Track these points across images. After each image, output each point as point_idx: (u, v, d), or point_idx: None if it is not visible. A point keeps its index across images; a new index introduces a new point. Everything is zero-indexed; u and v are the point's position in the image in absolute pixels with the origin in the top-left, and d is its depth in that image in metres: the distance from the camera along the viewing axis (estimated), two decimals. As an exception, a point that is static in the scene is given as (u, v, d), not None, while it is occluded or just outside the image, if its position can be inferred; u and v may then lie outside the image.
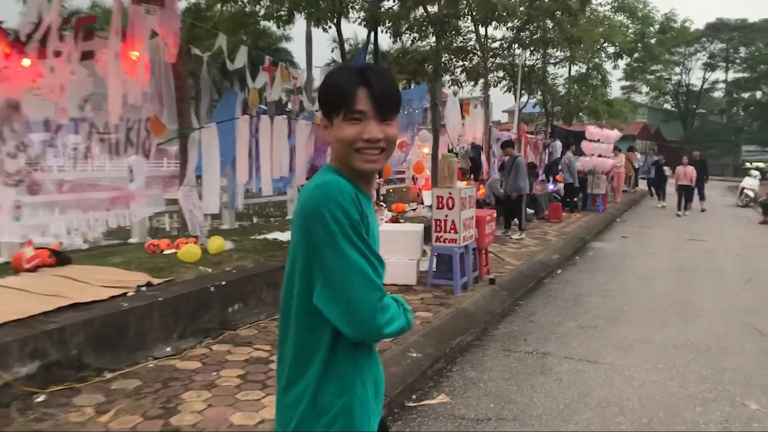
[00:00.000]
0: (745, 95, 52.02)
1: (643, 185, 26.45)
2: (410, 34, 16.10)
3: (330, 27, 12.94)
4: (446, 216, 6.73)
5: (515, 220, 11.27)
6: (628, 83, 44.19)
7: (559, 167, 17.04)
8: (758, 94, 51.00)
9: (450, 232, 6.73)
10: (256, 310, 5.64)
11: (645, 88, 49.45)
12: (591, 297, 7.37)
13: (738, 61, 49.32)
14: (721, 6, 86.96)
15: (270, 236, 8.17)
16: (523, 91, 22.06)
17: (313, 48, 16.86)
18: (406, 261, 7.04)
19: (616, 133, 17.89)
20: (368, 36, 10.53)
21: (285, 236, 7.93)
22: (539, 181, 15.54)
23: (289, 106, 8.93)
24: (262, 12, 14.04)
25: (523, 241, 10.66)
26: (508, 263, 8.63)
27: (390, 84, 1.59)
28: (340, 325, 1.48)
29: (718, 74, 52.69)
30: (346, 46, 17.29)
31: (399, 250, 7.01)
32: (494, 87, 24.88)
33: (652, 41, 25.63)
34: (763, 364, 5.12)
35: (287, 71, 7.94)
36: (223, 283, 5.33)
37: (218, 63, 18.86)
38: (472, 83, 21.41)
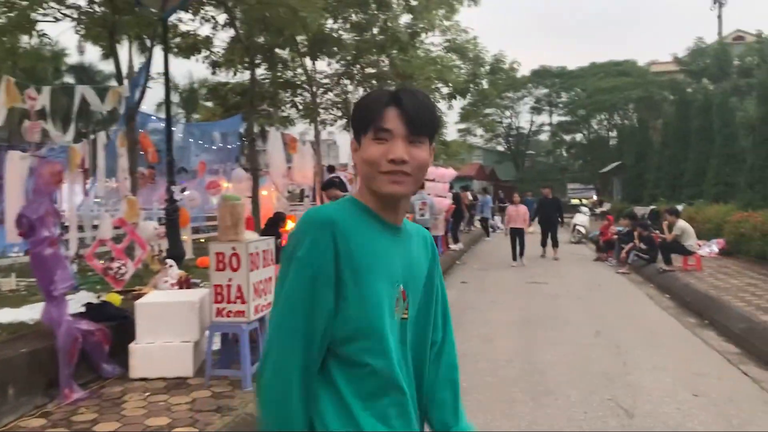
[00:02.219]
0: (568, 137, 56.10)
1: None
2: (229, 68, 14.37)
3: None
4: (230, 280, 4.93)
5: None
6: (464, 126, 45.80)
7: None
8: (578, 136, 55.15)
9: (236, 302, 4.93)
10: None
11: (480, 131, 51.80)
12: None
13: (560, 105, 53.01)
14: (544, 54, 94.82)
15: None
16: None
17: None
18: (177, 344, 5.13)
19: (451, 172, 17.24)
20: (150, 54, 8.55)
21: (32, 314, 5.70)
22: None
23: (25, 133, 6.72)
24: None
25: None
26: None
27: (423, 103, 1.46)
28: None
29: (544, 117, 56.38)
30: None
31: (165, 330, 5.09)
32: (330, 126, 23.85)
33: (484, 82, 25.95)
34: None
35: (15, 88, 5.81)
36: None
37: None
38: (307, 121, 20.04)
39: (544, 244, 15.63)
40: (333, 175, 13.61)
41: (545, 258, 15.28)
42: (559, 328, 7.81)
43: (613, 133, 49.93)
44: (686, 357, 6.32)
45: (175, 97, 27.09)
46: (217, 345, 5.39)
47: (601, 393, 5.22)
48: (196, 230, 11.17)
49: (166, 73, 8.15)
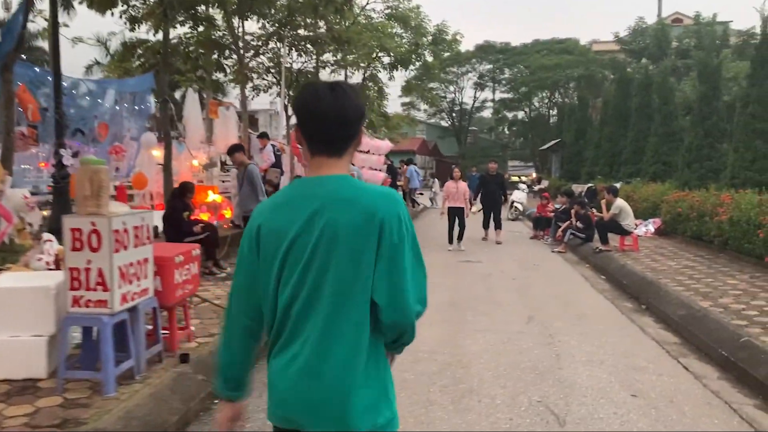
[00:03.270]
0: (510, 115, 56.18)
1: (423, 200, 25.93)
2: (148, 23, 13.06)
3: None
4: (89, 262, 4.01)
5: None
6: (408, 99, 45.07)
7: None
8: (520, 114, 55.29)
9: (96, 289, 4.02)
10: None
11: (424, 105, 51.17)
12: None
13: (503, 82, 52.84)
14: (489, 30, 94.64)
15: None
16: (293, 97, 19.99)
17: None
18: (26, 339, 4.20)
19: (387, 144, 16.51)
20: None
21: None
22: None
23: None
24: None
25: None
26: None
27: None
28: None
29: (487, 93, 56.23)
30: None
31: (12, 321, 4.15)
32: (264, 92, 22.64)
33: (426, 53, 25.19)
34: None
35: None
36: None
37: None
38: (233, 85, 18.84)
39: (486, 225, 14.13)
40: (271, 143, 12.62)
41: (487, 241, 13.93)
42: (490, 312, 7.21)
43: (554, 112, 50.21)
44: (623, 348, 5.80)
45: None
46: (78, 340, 4.48)
47: (530, 393, 4.60)
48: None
49: (54, 15, 7.02)
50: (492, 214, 13.93)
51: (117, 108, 9.62)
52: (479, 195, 14.21)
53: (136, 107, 10.11)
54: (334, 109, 1.73)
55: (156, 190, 10.64)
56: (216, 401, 4.33)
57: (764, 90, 11.36)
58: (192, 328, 5.58)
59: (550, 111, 52.11)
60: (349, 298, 1.69)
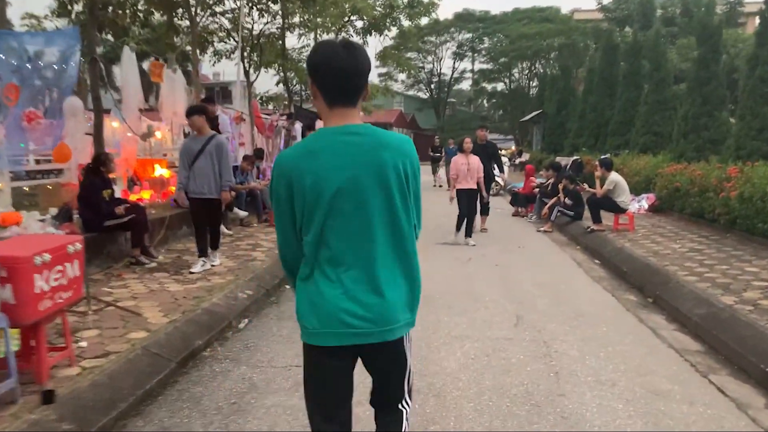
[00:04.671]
0: (489, 87, 54.90)
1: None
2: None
3: None
4: None
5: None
6: (384, 70, 43.45)
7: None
8: (500, 86, 54.02)
9: None
10: None
11: (401, 76, 49.62)
12: (272, 391, 3.92)
13: (483, 52, 51.42)
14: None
15: None
16: (256, 62, 18.41)
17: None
18: None
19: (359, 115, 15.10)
20: None
21: None
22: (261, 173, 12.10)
23: None
24: None
25: (214, 268, 6.94)
26: (148, 324, 4.83)
27: None
28: None
29: (466, 64, 54.96)
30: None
31: None
32: (227, 58, 21.02)
33: (402, 17, 23.63)
34: None
35: None
36: None
37: None
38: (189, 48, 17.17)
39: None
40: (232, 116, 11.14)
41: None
42: (469, 310, 5.98)
43: (534, 83, 48.99)
44: (636, 360, 4.61)
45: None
46: None
47: (524, 422, 3.39)
48: (17, 176, 8.53)
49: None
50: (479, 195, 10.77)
51: (30, 66, 8.14)
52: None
53: (55, 66, 8.62)
54: (351, 63, 1.99)
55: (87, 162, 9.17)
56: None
57: (775, 50, 10.18)
58: (81, 344, 4.27)
59: (531, 82, 50.94)
60: (396, 226, 2.04)
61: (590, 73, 23.15)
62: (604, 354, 4.73)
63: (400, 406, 2.25)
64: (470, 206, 9.87)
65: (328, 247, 1.99)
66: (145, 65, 19.09)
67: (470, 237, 9.84)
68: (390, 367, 2.19)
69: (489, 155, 11.16)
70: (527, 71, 50.82)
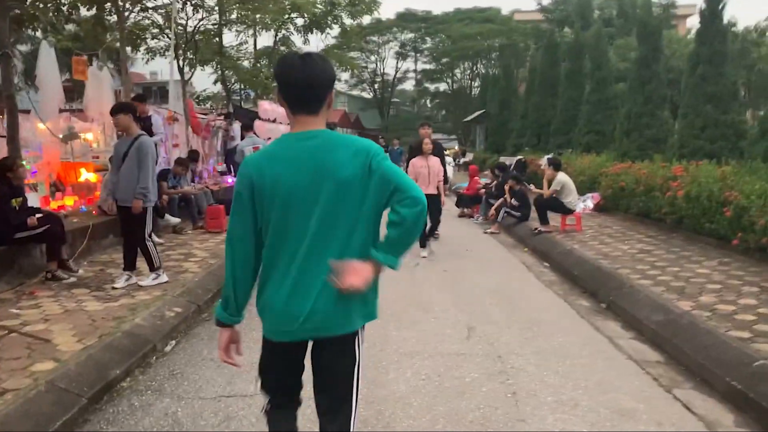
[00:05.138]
0: (432, 87, 55.04)
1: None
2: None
3: None
4: None
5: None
6: (327, 69, 42.83)
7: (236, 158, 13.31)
8: (442, 86, 54.21)
9: None
10: None
11: (345, 76, 49.10)
12: (199, 428, 3.45)
13: (426, 52, 51.48)
14: None
15: None
16: (192, 60, 17.66)
17: None
18: None
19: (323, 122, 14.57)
20: None
21: None
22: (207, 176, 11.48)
23: None
24: None
25: (138, 283, 6.33)
26: (57, 352, 4.24)
27: None
28: None
29: (409, 64, 54.81)
30: None
31: None
32: (161, 56, 20.09)
33: (344, 15, 23.17)
34: None
35: None
36: None
37: None
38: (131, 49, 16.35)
39: None
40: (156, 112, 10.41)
41: (434, 257, 8.87)
42: (418, 320, 5.62)
43: (476, 84, 49.35)
44: (597, 375, 4.32)
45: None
46: None
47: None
48: None
49: None
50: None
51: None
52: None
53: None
54: (308, 74, 2.07)
55: None
56: None
57: (715, 49, 10.25)
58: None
59: (473, 83, 51.30)
60: (357, 222, 2.08)
61: (532, 72, 23.27)
62: (562, 369, 4.43)
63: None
64: (431, 214, 8.47)
65: (282, 246, 2.09)
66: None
67: (425, 248, 8.75)
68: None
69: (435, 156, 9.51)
70: (469, 71, 51.17)
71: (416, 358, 4.67)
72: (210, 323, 5.59)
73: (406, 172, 8.81)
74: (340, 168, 2.02)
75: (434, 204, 8.67)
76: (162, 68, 46.38)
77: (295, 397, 2.36)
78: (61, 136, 9.00)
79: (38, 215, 6.27)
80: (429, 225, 8.75)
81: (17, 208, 6.16)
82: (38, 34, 19.32)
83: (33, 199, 7.92)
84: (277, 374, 2.29)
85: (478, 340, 5.09)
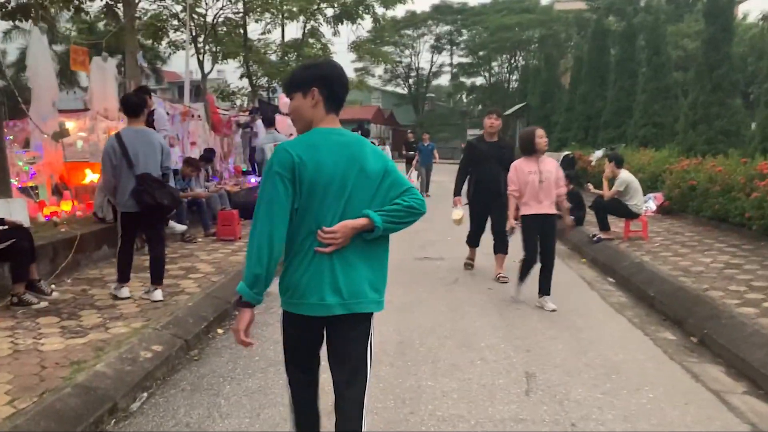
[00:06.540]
0: (468, 81, 53.54)
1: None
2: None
3: None
4: None
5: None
6: (361, 65, 41.83)
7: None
8: (479, 80, 52.64)
9: None
10: None
11: (379, 71, 47.99)
12: None
13: (462, 44, 50.05)
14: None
15: None
16: (217, 53, 16.70)
17: None
18: None
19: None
20: None
21: None
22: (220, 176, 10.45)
23: None
24: None
25: (121, 309, 5.28)
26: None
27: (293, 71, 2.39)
28: None
29: (444, 57, 53.42)
30: None
31: None
32: (183, 49, 19.24)
33: (376, 5, 21.97)
34: None
35: None
36: None
37: None
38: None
39: (474, 241, 7.53)
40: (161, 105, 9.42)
41: (475, 270, 7.52)
42: (461, 366, 4.38)
43: (515, 76, 47.66)
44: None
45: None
46: None
47: None
48: None
49: None
50: (492, 220, 7.18)
51: None
52: (469, 185, 7.28)
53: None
54: (347, 82, 2.42)
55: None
56: None
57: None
58: None
59: (511, 76, 49.57)
60: (369, 209, 2.30)
61: (577, 61, 21.73)
62: (665, 449, 3.17)
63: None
64: (543, 246, 5.93)
65: (318, 228, 2.23)
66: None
67: (548, 295, 5.95)
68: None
69: (504, 160, 6.68)
70: (507, 64, 49.48)
71: (458, 423, 3.46)
72: (198, 364, 4.47)
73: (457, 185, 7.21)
74: (366, 162, 2.27)
75: (548, 228, 5.89)
76: (195, 67, 46.14)
77: (317, 368, 2.51)
78: (50, 133, 8.01)
79: (2, 227, 5.23)
80: (539, 263, 6.00)
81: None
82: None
83: (20, 206, 6.92)
84: (306, 348, 2.43)
85: (541, 396, 3.85)
